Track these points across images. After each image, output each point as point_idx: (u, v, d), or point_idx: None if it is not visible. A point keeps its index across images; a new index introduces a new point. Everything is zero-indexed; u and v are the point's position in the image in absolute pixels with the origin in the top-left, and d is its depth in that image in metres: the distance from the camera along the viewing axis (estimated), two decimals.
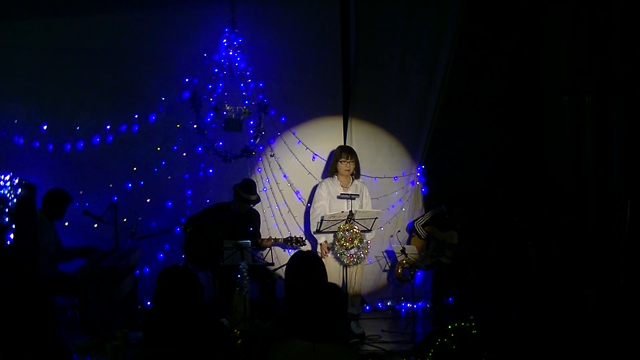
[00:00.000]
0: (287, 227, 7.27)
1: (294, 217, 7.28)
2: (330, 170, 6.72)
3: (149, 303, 6.95)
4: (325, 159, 7.31)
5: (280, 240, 6.66)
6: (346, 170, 6.51)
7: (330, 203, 6.54)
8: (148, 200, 7.08)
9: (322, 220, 6.26)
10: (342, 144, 7.24)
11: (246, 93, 7.09)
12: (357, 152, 6.68)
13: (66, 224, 6.74)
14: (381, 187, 7.33)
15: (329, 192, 6.57)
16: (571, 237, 7.52)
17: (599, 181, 7.56)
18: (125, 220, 6.73)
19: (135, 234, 6.55)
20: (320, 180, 6.98)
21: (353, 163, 6.53)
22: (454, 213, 6.74)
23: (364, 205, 6.52)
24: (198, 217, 6.58)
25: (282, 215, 7.28)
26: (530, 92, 7.80)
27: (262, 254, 6.25)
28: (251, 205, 6.64)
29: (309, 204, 7.03)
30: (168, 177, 7.13)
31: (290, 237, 6.68)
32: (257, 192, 6.72)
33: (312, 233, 6.63)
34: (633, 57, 7.23)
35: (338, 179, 6.59)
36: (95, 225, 6.68)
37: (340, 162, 6.54)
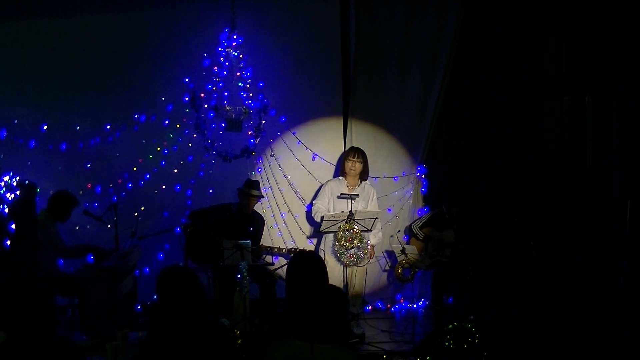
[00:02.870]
0: (287, 227, 7.27)
1: (294, 217, 7.29)
2: (340, 170, 6.72)
3: (149, 303, 6.95)
4: (326, 159, 7.31)
5: (284, 250, 6.66)
6: (351, 169, 6.49)
7: (332, 203, 6.53)
8: (148, 200, 7.08)
9: (322, 220, 6.26)
10: (342, 143, 7.27)
11: (246, 93, 7.10)
12: None
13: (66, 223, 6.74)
14: (381, 187, 7.32)
15: (332, 192, 6.56)
16: (571, 236, 7.51)
17: (599, 181, 7.56)
18: (125, 220, 6.75)
19: (135, 234, 6.55)
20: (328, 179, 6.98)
21: (360, 163, 6.50)
22: (452, 212, 6.74)
23: (368, 208, 6.50)
24: (201, 214, 6.58)
25: (282, 215, 7.28)
26: (530, 92, 7.80)
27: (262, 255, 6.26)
28: (256, 199, 6.64)
29: (309, 204, 7.04)
30: (168, 177, 7.13)
31: (294, 248, 6.68)
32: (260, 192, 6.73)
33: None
34: (632, 58, 7.23)
35: (346, 179, 6.59)
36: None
37: (347, 160, 6.54)
